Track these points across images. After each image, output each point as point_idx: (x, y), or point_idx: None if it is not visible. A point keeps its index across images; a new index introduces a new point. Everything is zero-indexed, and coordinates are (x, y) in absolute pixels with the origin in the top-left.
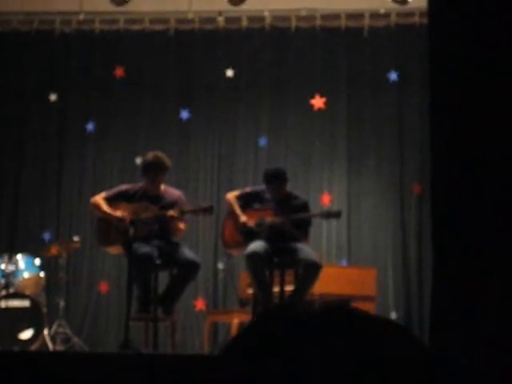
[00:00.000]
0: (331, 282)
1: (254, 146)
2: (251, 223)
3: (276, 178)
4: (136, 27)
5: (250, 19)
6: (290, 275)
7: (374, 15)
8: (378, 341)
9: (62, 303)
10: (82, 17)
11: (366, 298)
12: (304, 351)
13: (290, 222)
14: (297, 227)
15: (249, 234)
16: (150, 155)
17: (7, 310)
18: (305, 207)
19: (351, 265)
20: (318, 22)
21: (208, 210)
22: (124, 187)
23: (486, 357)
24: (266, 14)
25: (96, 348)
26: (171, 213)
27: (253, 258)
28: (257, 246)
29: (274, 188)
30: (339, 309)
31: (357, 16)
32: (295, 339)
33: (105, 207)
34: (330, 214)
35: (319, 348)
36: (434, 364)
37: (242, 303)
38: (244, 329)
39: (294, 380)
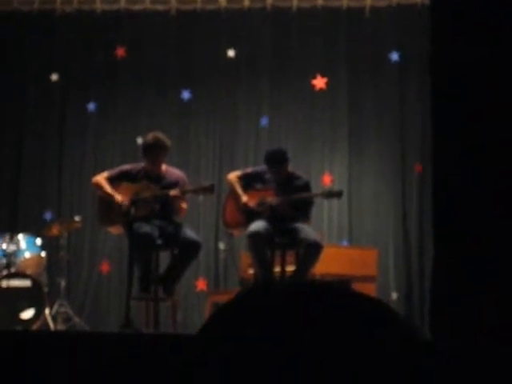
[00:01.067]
0: (332, 262)
1: (255, 125)
2: (252, 203)
3: (277, 159)
4: (137, 7)
5: None
6: (291, 255)
7: None
8: (355, 315)
9: (63, 283)
10: None
11: (366, 279)
12: (281, 325)
13: (292, 203)
14: (298, 208)
15: (250, 214)
16: (150, 136)
17: (8, 289)
18: (306, 187)
19: (352, 245)
20: (320, 2)
21: (209, 190)
22: (126, 167)
23: (483, 344)
24: None
25: (97, 328)
26: (173, 192)
27: (254, 237)
28: (258, 225)
29: (275, 169)
30: (318, 284)
31: None
32: (274, 312)
33: (107, 187)
34: (332, 194)
35: (297, 322)
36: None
37: (243, 283)
38: (224, 304)
39: (275, 352)
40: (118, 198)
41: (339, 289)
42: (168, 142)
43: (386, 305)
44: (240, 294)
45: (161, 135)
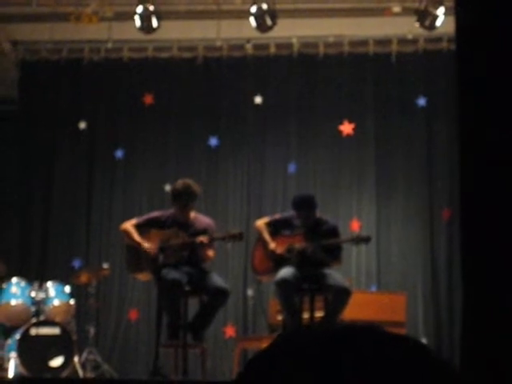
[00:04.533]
0: (361, 307)
1: (282, 172)
2: (281, 250)
3: (305, 205)
4: (164, 55)
5: (278, 46)
6: (319, 301)
7: (402, 41)
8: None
9: (92, 330)
10: (110, 45)
11: (395, 324)
12: (318, 373)
13: (321, 248)
14: (328, 252)
15: (278, 261)
16: (180, 183)
17: (38, 337)
18: (334, 231)
19: (381, 290)
20: (346, 49)
21: (238, 237)
22: (154, 214)
23: None
24: (294, 40)
25: (126, 375)
26: (201, 239)
27: (282, 284)
28: (286, 272)
29: (303, 214)
30: (362, 326)
31: (385, 42)
32: (310, 359)
33: (135, 235)
34: (360, 239)
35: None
36: None
37: (272, 329)
38: (258, 352)
39: None
40: (145, 245)
41: (376, 331)
42: (198, 189)
43: (424, 346)
44: (274, 341)
45: (191, 182)
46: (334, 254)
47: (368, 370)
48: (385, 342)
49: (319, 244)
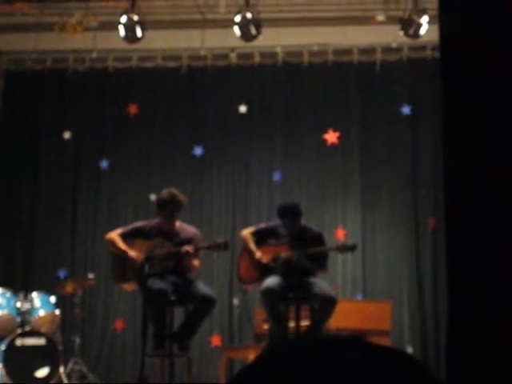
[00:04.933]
0: (347, 316)
1: (268, 181)
2: (266, 259)
3: (290, 213)
4: (149, 64)
5: (263, 55)
6: (305, 310)
7: (386, 49)
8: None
9: (77, 340)
10: (95, 55)
11: (381, 333)
12: None
13: (306, 256)
14: (313, 260)
15: (264, 270)
16: (165, 192)
17: (23, 347)
18: (319, 239)
19: (366, 299)
20: (331, 57)
21: (223, 246)
22: (139, 224)
23: None
24: (279, 49)
25: None
26: (187, 248)
27: (268, 294)
28: (272, 281)
29: (288, 223)
30: (348, 337)
31: (369, 50)
32: (297, 374)
33: (120, 244)
34: (346, 248)
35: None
36: None
37: (258, 339)
38: (245, 367)
39: None
40: (132, 254)
41: (362, 342)
42: (183, 198)
43: (411, 357)
44: (261, 355)
45: (176, 191)
46: (319, 262)
47: (355, 382)
48: (371, 353)
49: (305, 252)
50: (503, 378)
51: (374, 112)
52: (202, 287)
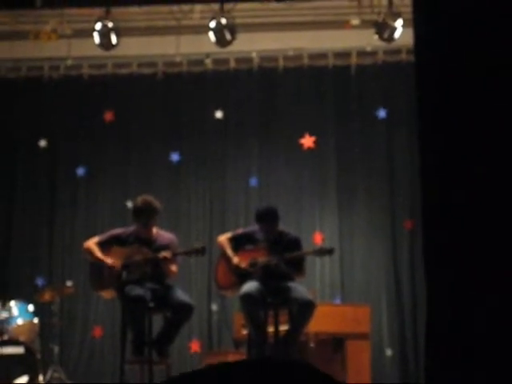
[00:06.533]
0: (325, 320)
1: (244, 186)
2: (244, 264)
3: (267, 217)
4: (124, 71)
5: (238, 60)
6: (284, 315)
7: (361, 53)
8: None
9: (56, 349)
10: (70, 62)
11: (360, 336)
12: None
13: (284, 261)
14: (291, 264)
15: (242, 275)
16: (140, 200)
17: (1, 357)
18: (297, 243)
19: (345, 303)
20: (306, 62)
21: (200, 251)
22: (116, 231)
23: None
24: (254, 54)
25: None
26: (164, 254)
27: (246, 299)
28: (250, 286)
29: (265, 227)
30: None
31: (344, 54)
32: None
33: (97, 252)
34: (323, 251)
35: None
36: None
37: (237, 344)
38: None
39: None
40: (109, 261)
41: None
42: (158, 204)
43: None
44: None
45: (150, 198)
46: (297, 266)
47: None
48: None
49: (282, 257)
50: (482, 379)
51: (349, 116)
52: (180, 294)
